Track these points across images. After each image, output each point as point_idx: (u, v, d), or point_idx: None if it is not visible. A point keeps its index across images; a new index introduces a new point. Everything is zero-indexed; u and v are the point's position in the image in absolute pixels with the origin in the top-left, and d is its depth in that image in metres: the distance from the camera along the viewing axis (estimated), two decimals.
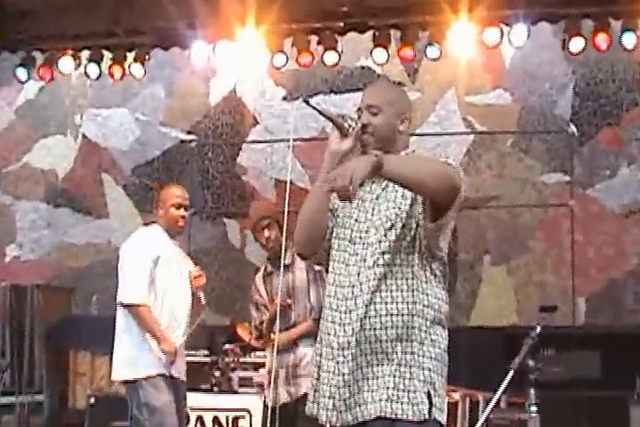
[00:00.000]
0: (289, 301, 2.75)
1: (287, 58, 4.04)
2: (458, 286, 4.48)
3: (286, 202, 1.87)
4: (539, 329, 2.30)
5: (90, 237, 5.11)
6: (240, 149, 5.02)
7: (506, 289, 4.56)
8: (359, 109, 1.73)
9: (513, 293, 4.57)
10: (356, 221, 1.71)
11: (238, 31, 3.95)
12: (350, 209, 1.73)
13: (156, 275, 2.74)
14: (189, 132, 5.07)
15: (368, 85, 1.82)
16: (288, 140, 4.65)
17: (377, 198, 1.71)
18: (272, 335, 2.70)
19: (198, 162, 4.96)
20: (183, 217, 2.84)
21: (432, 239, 1.62)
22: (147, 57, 4.25)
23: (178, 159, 5.05)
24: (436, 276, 1.65)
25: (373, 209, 1.70)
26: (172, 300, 2.77)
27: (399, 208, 1.68)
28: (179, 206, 2.85)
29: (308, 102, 1.66)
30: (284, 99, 4.96)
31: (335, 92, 4.76)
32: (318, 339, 1.70)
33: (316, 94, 4.79)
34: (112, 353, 2.72)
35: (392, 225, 1.66)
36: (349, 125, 1.68)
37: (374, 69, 4.80)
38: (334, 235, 1.72)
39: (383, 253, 1.63)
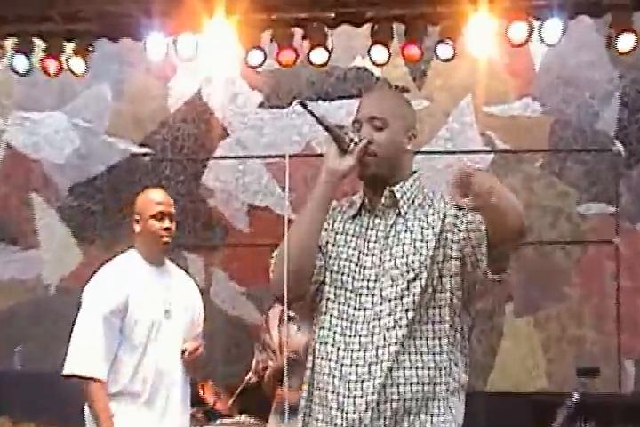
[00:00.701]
0: (293, 356, 2.70)
1: (265, 55, 4.04)
2: (473, 341, 4.35)
3: (286, 236, 1.74)
4: (576, 397, 2.30)
5: (15, 271, 4.99)
6: (205, 166, 4.93)
7: (533, 346, 4.49)
8: (357, 122, 1.74)
9: (542, 351, 4.49)
10: (359, 266, 1.71)
11: (205, 22, 3.85)
12: (347, 249, 1.73)
13: (125, 324, 2.58)
14: (142, 145, 4.98)
15: (368, 92, 1.88)
16: (266, 157, 4.67)
17: (386, 238, 1.71)
18: (279, 390, 2.70)
19: (153, 181, 4.84)
20: (167, 230, 2.67)
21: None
22: (90, 49, 4.16)
23: (127, 177, 4.95)
24: (462, 332, 1.69)
25: (383, 252, 1.70)
26: (156, 351, 2.62)
27: (420, 253, 1.68)
28: (161, 217, 2.70)
29: (305, 106, 1.66)
30: (261, 105, 4.88)
31: (324, 99, 4.73)
32: (308, 410, 1.71)
33: (296, 100, 4.68)
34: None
35: (416, 276, 1.66)
36: (351, 140, 1.70)
37: (372, 71, 4.71)
38: (327, 281, 1.72)
39: (407, 310, 1.65)
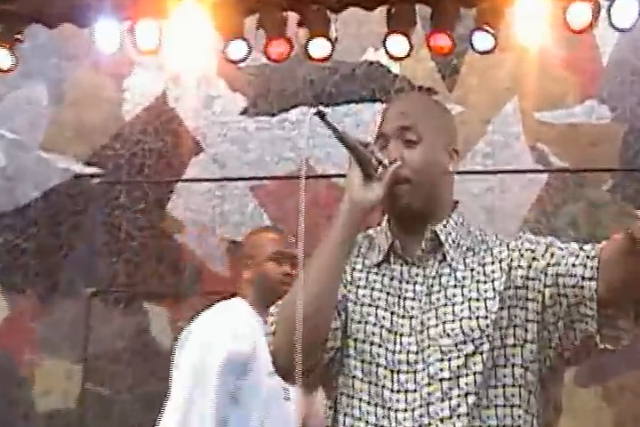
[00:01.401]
0: None
1: (250, 47, 4.04)
2: None
3: (295, 288, 1.66)
4: None
5: None
6: (172, 190, 4.89)
7: (602, 425, 4.43)
8: (382, 137, 1.73)
9: None
10: (394, 333, 1.68)
11: (171, 4, 3.86)
12: (375, 309, 1.69)
13: (236, 388, 2.67)
14: (89, 163, 4.95)
15: (394, 99, 1.81)
16: (252, 179, 4.67)
17: (428, 295, 1.68)
18: None
19: (103, 210, 4.85)
20: (289, 276, 2.75)
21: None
22: (18, 37, 4.07)
23: (69, 205, 4.92)
24: (538, 417, 1.67)
25: (425, 314, 1.68)
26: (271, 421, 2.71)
27: (478, 317, 1.65)
28: (280, 259, 2.81)
29: (323, 115, 1.61)
30: (244, 112, 4.87)
31: (326, 103, 4.69)
32: None
33: (294, 107, 4.78)
34: None
35: (476, 348, 1.64)
36: (379, 162, 1.67)
37: (388, 67, 4.71)
38: (352, 353, 1.68)
39: (467, 394, 1.63)
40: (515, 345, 1.66)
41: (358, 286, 1.72)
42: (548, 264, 1.66)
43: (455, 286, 1.68)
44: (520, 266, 1.68)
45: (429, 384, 1.63)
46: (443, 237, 1.71)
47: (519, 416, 1.64)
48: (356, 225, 1.66)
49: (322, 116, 1.61)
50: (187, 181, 4.83)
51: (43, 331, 4.76)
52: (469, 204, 4.39)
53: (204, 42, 4.01)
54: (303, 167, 1.79)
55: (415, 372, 1.65)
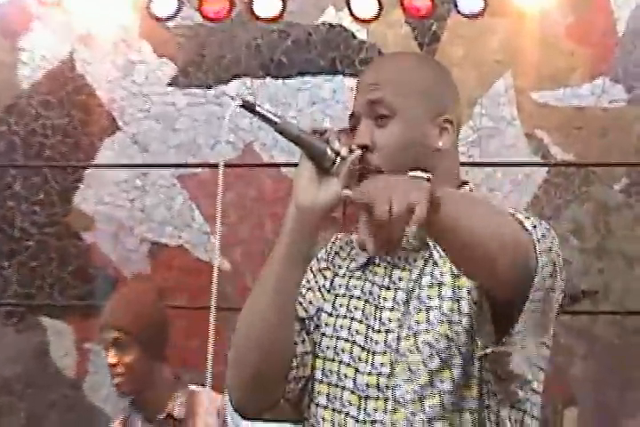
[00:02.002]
0: None
1: (180, 2, 4.14)
2: None
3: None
4: None
5: None
6: (80, 179, 4.67)
7: None
8: (353, 116, 1.68)
9: None
10: (367, 351, 1.63)
11: None
12: (349, 322, 1.66)
13: None
14: None
15: (373, 62, 1.87)
16: (181, 166, 4.50)
17: (407, 303, 1.63)
18: None
19: None
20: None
21: (501, 366, 1.59)
22: None
23: None
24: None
25: (402, 326, 1.62)
26: None
27: (451, 322, 1.60)
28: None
29: (250, 107, 1.60)
30: (173, 83, 4.69)
31: (274, 76, 4.65)
32: None
33: (234, 77, 4.63)
34: None
35: (444, 363, 1.58)
36: (335, 152, 1.61)
37: (352, 31, 4.58)
38: (318, 375, 1.67)
39: (431, 420, 1.57)
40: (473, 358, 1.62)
41: (337, 295, 1.70)
42: None
43: (432, 285, 1.63)
44: None
45: (395, 411, 1.60)
46: None
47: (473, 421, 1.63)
48: (308, 232, 1.61)
49: (250, 108, 1.60)
50: (99, 166, 4.65)
51: None
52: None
53: None
54: (221, 161, 1.76)
55: (386, 399, 1.61)
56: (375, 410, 1.62)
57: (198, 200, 4.60)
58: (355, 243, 1.77)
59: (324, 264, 1.73)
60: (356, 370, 1.64)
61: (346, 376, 1.65)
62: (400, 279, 1.67)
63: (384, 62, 1.83)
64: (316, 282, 1.71)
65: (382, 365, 1.63)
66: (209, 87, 4.62)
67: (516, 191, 4.45)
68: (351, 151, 1.62)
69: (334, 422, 1.65)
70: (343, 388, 1.65)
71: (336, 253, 1.75)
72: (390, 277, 1.68)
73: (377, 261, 1.70)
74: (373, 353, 1.64)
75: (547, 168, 4.46)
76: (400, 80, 1.67)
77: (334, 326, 1.68)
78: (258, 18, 4.10)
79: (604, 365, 4.42)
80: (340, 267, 1.74)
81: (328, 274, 1.73)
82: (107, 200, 4.64)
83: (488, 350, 1.58)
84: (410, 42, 4.52)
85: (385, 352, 1.64)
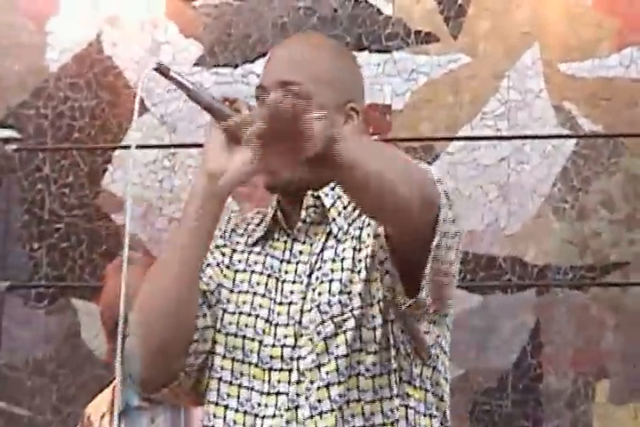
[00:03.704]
0: None
1: None
2: None
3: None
4: None
5: None
6: (109, 160, 4.82)
7: None
8: (260, 89, 1.76)
9: None
10: (270, 323, 1.70)
11: None
12: (251, 296, 1.73)
13: None
14: (4, 125, 4.82)
15: (282, 42, 1.86)
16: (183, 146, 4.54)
17: (309, 275, 1.71)
18: None
19: (22, 184, 4.77)
20: None
21: (412, 328, 1.68)
22: None
23: None
24: (425, 399, 1.70)
25: (305, 299, 1.70)
26: None
27: (348, 293, 1.68)
28: None
29: (164, 71, 1.64)
30: (200, 63, 4.80)
31: None
32: None
33: (261, 56, 4.66)
34: None
35: (338, 324, 1.66)
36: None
37: (378, 7, 4.68)
38: (220, 350, 1.71)
39: (328, 385, 1.65)
40: (382, 324, 1.67)
41: (237, 271, 1.75)
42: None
43: (334, 260, 1.69)
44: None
45: (299, 382, 1.65)
46: (328, 202, 1.72)
47: (391, 411, 1.66)
48: (216, 202, 1.66)
49: (164, 73, 1.63)
50: (127, 148, 4.72)
51: None
52: (478, 177, 4.37)
53: None
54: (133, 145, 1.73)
55: (290, 370, 1.66)
56: (279, 381, 1.67)
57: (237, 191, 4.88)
58: (250, 219, 1.81)
59: (220, 241, 1.77)
60: (260, 343, 1.69)
61: (251, 351, 1.70)
62: (301, 253, 1.73)
63: (300, 44, 1.87)
64: (214, 259, 1.75)
65: (286, 337, 1.68)
66: (236, 66, 4.68)
67: (545, 164, 4.49)
68: None
69: (240, 398, 1.69)
70: (249, 364, 1.69)
71: (232, 230, 1.80)
72: (291, 250, 1.73)
73: (276, 235, 1.75)
74: (276, 325, 1.69)
75: (575, 140, 4.47)
76: (314, 65, 1.74)
77: (236, 302, 1.73)
78: None
79: (636, 337, 4.40)
80: (237, 243, 1.78)
81: (226, 251, 1.77)
82: (135, 181, 4.71)
83: (407, 301, 1.63)
84: (436, 16, 4.59)
85: (288, 324, 1.69)
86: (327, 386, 1.65)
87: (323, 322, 1.67)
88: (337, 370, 1.65)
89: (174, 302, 1.66)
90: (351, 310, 1.66)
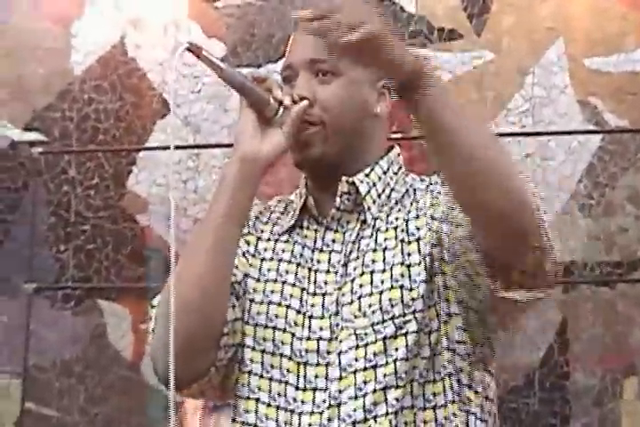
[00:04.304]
0: None
1: None
2: None
3: (173, 272, 1.59)
4: None
5: None
6: (134, 162, 4.86)
7: None
8: (288, 69, 1.71)
9: None
10: (303, 314, 1.64)
11: None
12: (281, 286, 1.67)
13: None
14: (29, 128, 4.90)
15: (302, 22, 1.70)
16: (231, 146, 4.72)
17: (345, 265, 1.65)
18: None
19: (48, 186, 4.80)
20: None
21: (490, 340, 1.65)
22: None
23: (5, 180, 4.88)
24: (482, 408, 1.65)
25: (342, 289, 1.64)
26: None
27: (403, 288, 1.62)
28: None
29: (196, 51, 1.61)
30: (222, 63, 4.77)
31: None
32: None
33: (284, 56, 4.76)
34: None
35: (397, 330, 1.60)
36: (279, 101, 1.65)
37: (401, 5, 4.69)
38: (250, 342, 1.66)
39: (386, 388, 1.59)
40: (438, 328, 1.62)
41: (263, 259, 1.70)
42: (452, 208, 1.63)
43: (375, 250, 1.64)
44: (435, 217, 1.65)
45: (341, 379, 1.60)
46: (363, 190, 1.68)
47: (446, 418, 1.60)
48: (250, 186, 1.61)
49: (196, 53, 1.60)
50: (152, 149, 4.77)
51: None
52: None
53: None
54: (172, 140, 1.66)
55: (328, 365, 1.61)
56: (316, 376, 1.62)
57: (259, 191, 4.87)
58: (292, 203, 1.75)
59: (244, 230, 1.69)
60: (293, 335, 1.63)
61: (282, 343, 1.64)
62: (333, 241, 1.68)
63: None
64: (239, 248, 1.67)
65: (321, 329, 1.63)
66: (259, 66, 4.66)
67: (571, 160, 4.47)
68: (294, 102, 1.65)
69: (271, 392, 1.63)
70: (281, 355, 1.64)
71: (256, 217, 1.74)
72: (323, 239, 1.68)
73: (305, 223, 1.70)
74: (310, 317, 1.64)
75: (601, 136, 4.45)
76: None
77: (264, 291, 1.67)
78: None
79: None
80: (262, 231, 1.73)
81: (251, 239, 1.72)
82: (159, 182, 4.76)
83: (515, 296, 1.56)
84: (459, 13, 4.58)
85: (323, 316, 1.64)
86: (384, 389, 1.59)
87: (383, 321, 1.61)
88: (395, 373, 1.59)
89: (206, 292, 1.60)
90: (413, 312, 1.61)
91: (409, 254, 1.62)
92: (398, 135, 4.37)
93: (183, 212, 4.75)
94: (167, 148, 4.73)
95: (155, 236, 4.79)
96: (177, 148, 4.74)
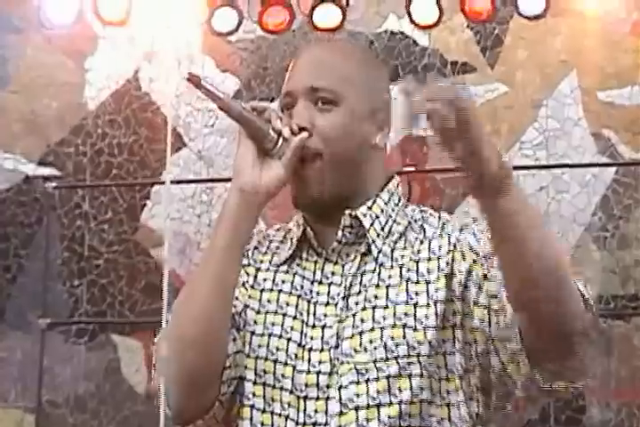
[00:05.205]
0: None
1: (241, 16, 4.24)
2: None
3: (173, 306, 1.65)
4: None
5: None
6: (148, 196, 4.92)
7: None
8: (287, 96, 1.69)
9: None
10: (303, 347, 1.63)
11: None
12: (281, 318, 1.66)
13: None
14: (43, 163, 4.95)
15: (308, 46, 1.79)
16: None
17: (345, 298, 1.64)
18: None
19: (62, 221, 4.86)
20: None
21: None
22: None
23: (19, 215, 4.93)
24: None
25: (342, 322, 1.63)
26: None
27: (406, 327, 1.61)
28: None
29: (195, 81, 1.60)
30: (237, 96, 4.87)
31: None
32: None
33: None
34: None
35: (400, 370, 1.59)
36: (277, 132, 1.63)
37: (414, 38, 4.76)
38: (251, 376, 1.64)
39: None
40: (448, 378, 1.59)
41: (263, 290, 1.68)
42: (485, 276, 1.58)
43: (378, 285, 1.62)
44: (460, 270, 1.61)
45: (342, 414, 1.58)
46: (367, 223, 1.65)
47: None
48: (250, 218, 1.60)
49: (195, 83, 1.58)
50: (164, 183, 4.85)
51: None
52: None
53: (184, 10, 4.17)
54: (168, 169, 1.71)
55: (327, 399, 1.59)
56: (316, 411, 1.60)
57: (264, 213, 4.95)
58: (290, 232, 1.73)
59: (244, 261, 1.67)
60: (294, 368, 1.62)
61: (283, 376, 1.62)
62: (333, 273, 1.66)
63: (326, 48, 1.81)
64: (239, 278, 1.65)
65: (321, 362, 1.61)
66: (272, 100, 4.57)
67: (585, 193, 4.48)
68: (293, 132, 1.62)
69: (274, 426, 1.61)
70: (281, 389, 1.62)
71: (255, 248, 1.71)
72: (322, 271, 1.67)
73: (304, 254, 1.68)
74: (310, 350, 1.62)
75: (615, 168, 4.47)
76: (344, 70, 1.68)
77: (264, 323, 1.65)
78: (317, 28, 4.19)
79: None
80: (261, 262, 1.71)
81: (250, 270, 1.69)
82: (174, 215, 4.77)
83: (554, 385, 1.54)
84: (472, 46, 4.61)
85: (322, 349, 1.62)
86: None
87: (387, 359, 1.60)
88: (400, 416, 1.59)
89: (207, 325, 1.59)
90: (418, 355, 1.59)
91: (416, 293, 1.61)
92: (411, 169, 4.53)
93: (197, 246, 4.78)
94: (181, 182, 4.79)
95: (168, 269, 4.60)
96: (191, 181, 4.81)
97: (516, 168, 4.36)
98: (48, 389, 4.50)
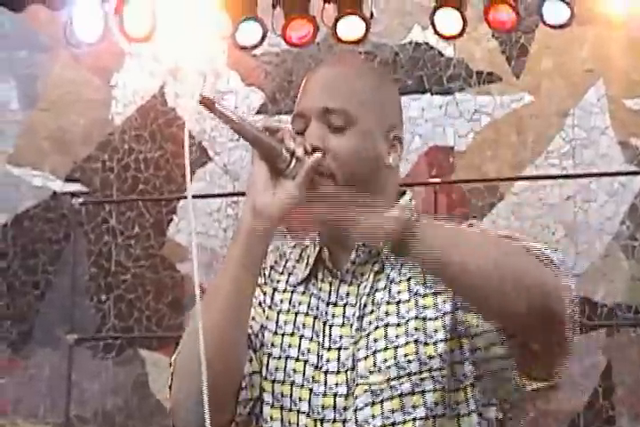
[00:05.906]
0: None
1: (265, 30, 4.20)
2: None
3: (188, 328, 1.64)
4: None
5: None
6: (174, 211, 4.98)
7: None
8: (299, 117, 1.68)
9: None
10: (320, 369, 1.64)
11: None
12: (298, 340, 1.67)
13: None
14: (71, 179, 5.02)
15: (320, 65, 1.78)
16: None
17: (360, 318, 1.65)
18: None
19: (89, 236, 4.92)
20: None
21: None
22: None
23: (47, 231, 4.99)
24: None
25: (358, 343, 1.63)
26: None
27: (418, 342, 1.61)
28: None
29: (208, 104, 1.59)
30: (262, 110, 4.94)
31: None
32: None
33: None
34: None
35: (414, 387, 1.59)
36: (291, 153, 1.62)
37: (439, 49, 4.79)
38: (268, 398, 1.65)
39: None
40: (458, 388, 1.60)
41: (280, 312, 1.69)
42: None
43: (389, 302, 1.63)
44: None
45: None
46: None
47: None
48: (263, 240, 1.60)
49: (209, 106, 1.58)
50: (191, 197, 4.88)
51: (15, 388, 4.79)
52: (544, 217, 4.40)
53: (208, 25, 4.13)
54: (189, 184, 1.71)
55: (345, 421, 1.60)
56: None
57: (290, 226, 4.90)
58: (306, 249, 1.74)
59: (260, 280, 1.67)
60: (310, 391, 1.62)
61: (300, 399, 1.63)
62: (348, 294, 1.66)
63: (339, 67, 1.80)
64: (255, 298, 1.65)
65: (337, 385, 1.62)
66: None
67: (612, 202, 4.47)
68: (306, 153, 1.62)
69: None
70: (298, 411, 1.63)
71: (271, 267, 1.72)
72: (337, 292, 1.67)
73: (320, 274, 1.68)
74: (326, 372, 1.63)
75: None
76: (356, 91, 1.68)
77: (281, 345, 1.66)
78: (341, 41, 4.16)
79: None
80: (278, 282, 1.71)
81: (267, 290, 1.70)
82: (200, 230, 4.78)
83: (538, 384, 1.57)
84: (497, 56, 4.63)
85: (339, 371, 1.63)
86: None
87: (399, 377, 1.61)
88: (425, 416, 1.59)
89: (223, 344, 1.59)
90: (430, 370, 1.61)
91: (424, 307, 1.62)
92: (437, 180, 4.57)
93: (223, 260, 4.85)
94: (206, 196, 4.79)
95: (194, 285, 4.87)
96: (215, 196, 4.85)
97: (542, 178, 4.45)
98: (76, 404, 4.55)
